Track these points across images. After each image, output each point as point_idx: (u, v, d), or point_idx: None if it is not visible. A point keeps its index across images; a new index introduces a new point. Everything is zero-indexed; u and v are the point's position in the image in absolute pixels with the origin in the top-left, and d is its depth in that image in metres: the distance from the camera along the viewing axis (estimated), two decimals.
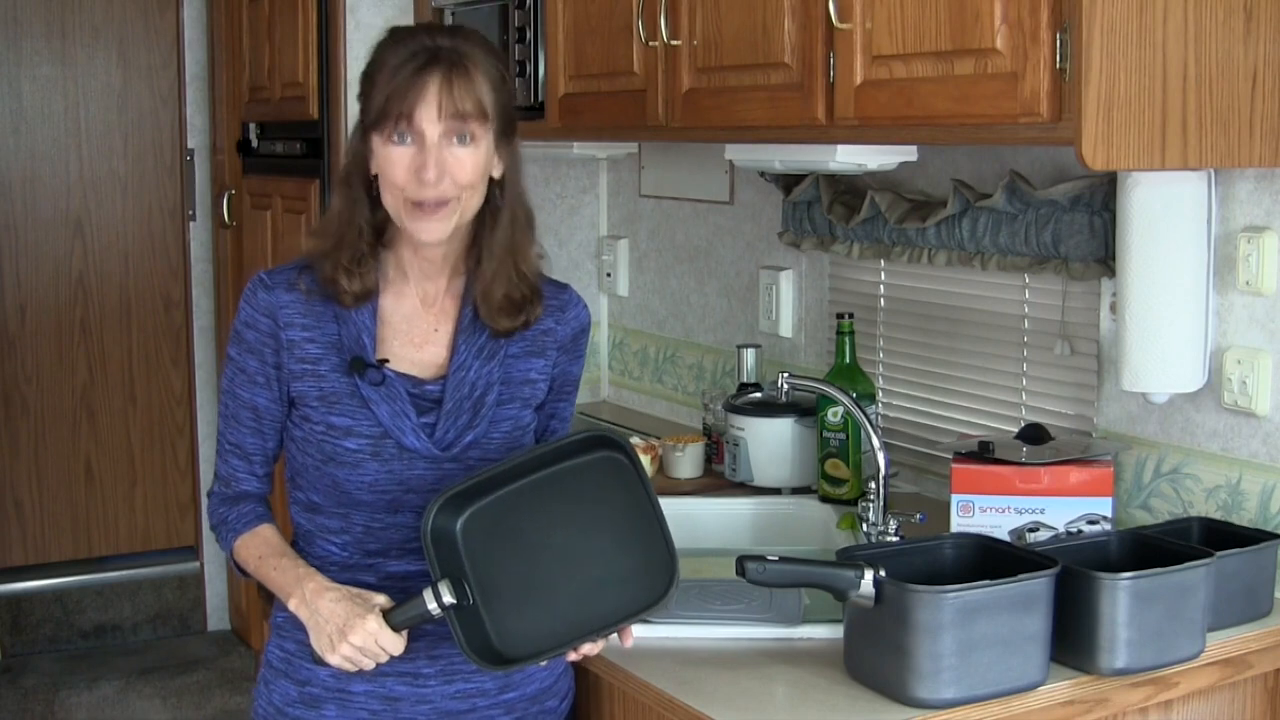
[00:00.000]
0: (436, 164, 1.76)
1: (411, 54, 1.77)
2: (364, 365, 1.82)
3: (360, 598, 1.77)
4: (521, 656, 1.74)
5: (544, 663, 1.84)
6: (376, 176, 1.83)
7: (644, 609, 1.74)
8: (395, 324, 1.88)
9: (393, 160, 1.78)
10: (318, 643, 1.77)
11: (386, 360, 1.84)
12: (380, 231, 1.87)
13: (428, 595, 1.72)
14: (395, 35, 1.83)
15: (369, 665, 1.76)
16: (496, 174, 1.86)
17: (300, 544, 1.91)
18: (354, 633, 1.73)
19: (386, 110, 1.76)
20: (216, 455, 1.94)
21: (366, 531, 1.85)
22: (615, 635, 1.78)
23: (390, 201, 1.81)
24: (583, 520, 1.79)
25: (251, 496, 1.92)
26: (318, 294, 1.84)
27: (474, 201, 1.83)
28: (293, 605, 1.81)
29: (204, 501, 4.50)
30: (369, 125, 1.80)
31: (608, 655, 1.93)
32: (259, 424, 1.88)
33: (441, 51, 1.77)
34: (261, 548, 1.87)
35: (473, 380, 1.86)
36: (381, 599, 1.77)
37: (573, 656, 1.80)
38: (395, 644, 1.75)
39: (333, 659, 1.75)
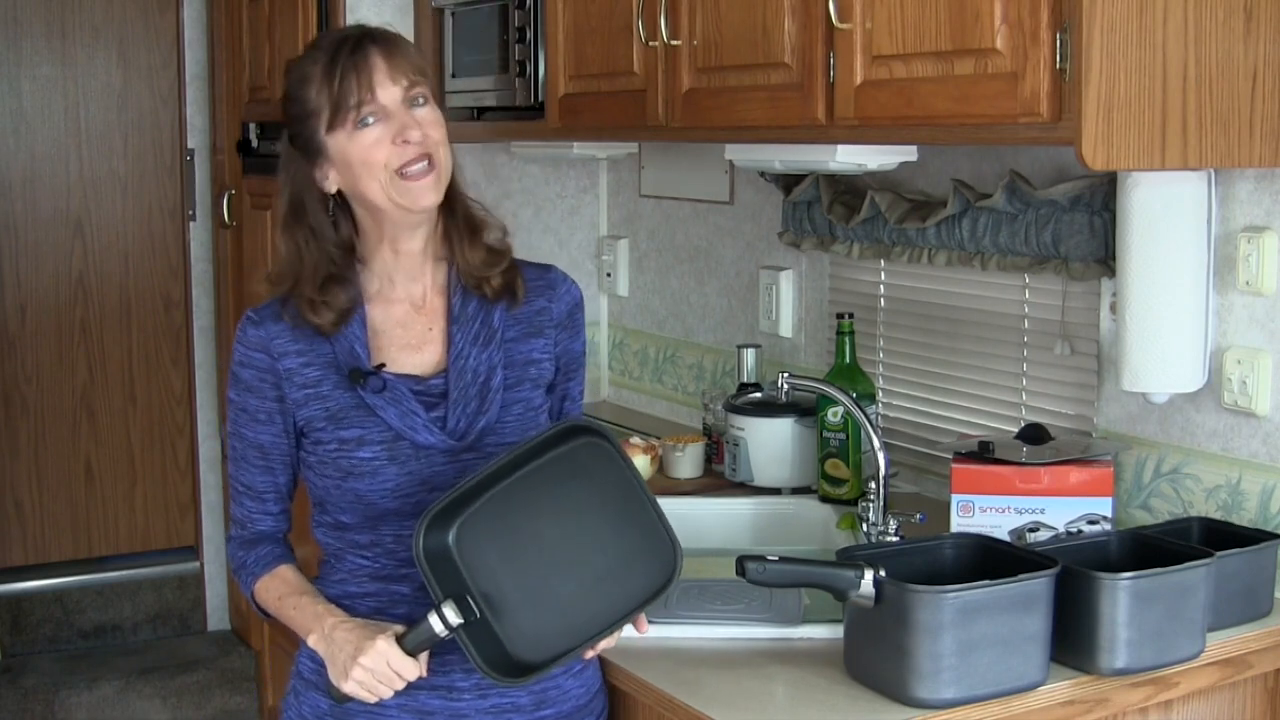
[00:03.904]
0: (414, 123, 1.78)
1: (335, 48, 1.79)
2: (362, 374, 1.82)
3: (374, 625, 1.76)
4: (539, 662, 1.70)
5: (564, 665, 1.81)
6: (338, 193, 1.83)
7: (654, 593, 1.70)
8: (389, 331, 1.87)
9: (367, 143, 1.78)
10: (333, 672, 1.76)
11: (383, 365, 1.84)
12: (351, 249, 1.86)
13: (433, 619, 1.68)
14: (301, 57, 1.84)
15: (385, 692, 1.73)
16: None
17: (330, 561, 1.90)
18: (364, 654, 1.71)
19: (340, 102, 1.77)
20: (230, 500, 1.94)
21: (397, 540, 1.83)
22: (631, 625, 1.75)
23: (375, 190, 1.79)
24: (575, 512, 1.75)
25: (269, 537, 1.91)
26: (302, 319, 1.84)
27: (448, 161, 1.83)
28: (312, 641, 1.80)
29: (203, 501, 4.54)
30: (324, 133, 1.79)
31: (607, 655, 1.92)
32: (267, 462, 1.88)
33: (364, 33, 1.80)
34: (281, 588, 1.87)
35: (474, 367, 1.85)
36: (397, 627, 1.75)
37: (589, 654, 1.78)
38: (409, 667, 1.72)
39: (347, 685, 1.73)
